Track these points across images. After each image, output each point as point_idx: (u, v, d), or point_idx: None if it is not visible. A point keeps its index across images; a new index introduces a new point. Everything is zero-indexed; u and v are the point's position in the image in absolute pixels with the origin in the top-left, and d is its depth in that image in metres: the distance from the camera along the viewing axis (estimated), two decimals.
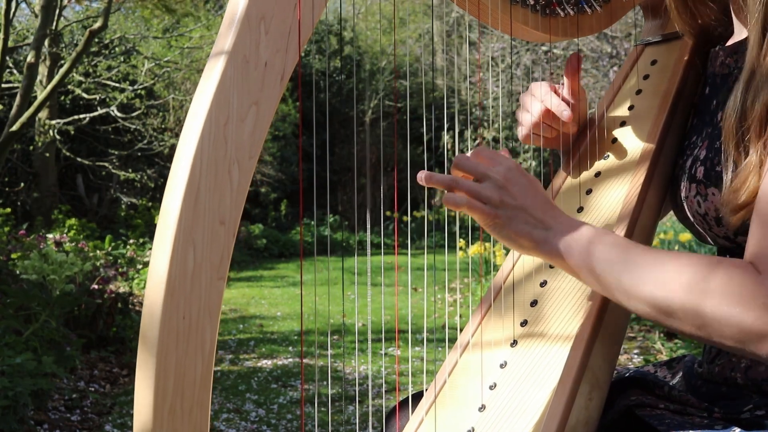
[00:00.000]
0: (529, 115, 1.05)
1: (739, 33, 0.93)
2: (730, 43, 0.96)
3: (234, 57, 0.61)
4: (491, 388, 0.87)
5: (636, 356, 3.93)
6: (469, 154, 0.85)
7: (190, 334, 0.59)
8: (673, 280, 0.74)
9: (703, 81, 1.02)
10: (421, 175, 0.81)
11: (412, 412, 0.92)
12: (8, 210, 7.07)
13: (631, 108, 1.07)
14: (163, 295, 0.58)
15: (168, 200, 0.60)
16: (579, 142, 1.09)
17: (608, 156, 1.04)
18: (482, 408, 0.86)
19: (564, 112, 1.02)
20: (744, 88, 0.81)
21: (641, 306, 0.76)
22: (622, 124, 1.06)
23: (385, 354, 4.20)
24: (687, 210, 0.92)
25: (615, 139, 1.05)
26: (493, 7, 0.95)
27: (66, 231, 6.54)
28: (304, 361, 4.30)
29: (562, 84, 1.06)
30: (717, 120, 0.91)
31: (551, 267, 0.96)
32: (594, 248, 0.79)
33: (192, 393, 0.59)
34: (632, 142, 1.02)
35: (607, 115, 1.09)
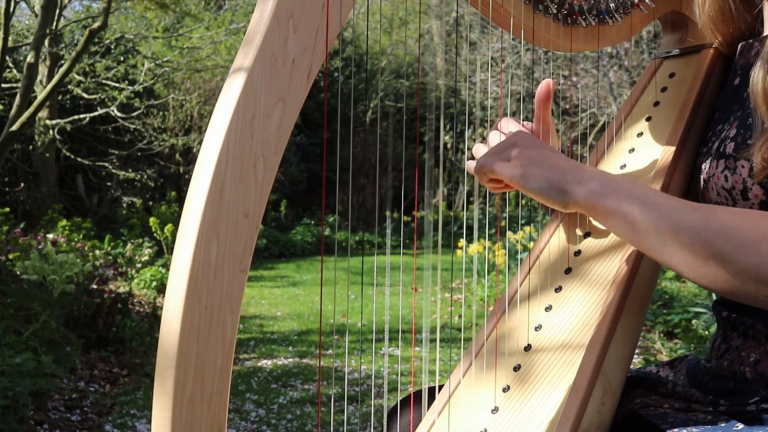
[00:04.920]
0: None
1: None
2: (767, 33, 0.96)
3: (262, 53, 0.62)
4: (504, 390, 0.88)
5: (636, 356, 3.94)
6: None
7: (211, 324, 0.60)
8: (735, 217, 0.72)
9: (732, 74, 1.02)
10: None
11: (427, 409, 0.92)
12: (7, 210, 7.06)
13: (648, 119, 1.08)
14: (185, 285, 0.59)
15: (193, 192, 0.60)
16: (596, 151, 1.10)
17: (624, 166, 1.05)
18: (495, 410, 0.86)
19: None
20: None
21: (678, 248, 0.73)
22: (640, 134, 1.07)
23: (383, 354, 4.20)
24: (711, 190, 0.91)
25: (632, 150, 1.06)
26: (516, 14, 0.95)
27: (60, 232, 6.54)
28: (305, 360, 4.30)
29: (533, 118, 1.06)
30: (749, 104, 0.90)
31: (566, 273, 0.96)
32: (632, 183, 0.77)
33: (212, 383, 0.60)
34: (649, 152, 1.03)
35: (625, 125, 1.09)
